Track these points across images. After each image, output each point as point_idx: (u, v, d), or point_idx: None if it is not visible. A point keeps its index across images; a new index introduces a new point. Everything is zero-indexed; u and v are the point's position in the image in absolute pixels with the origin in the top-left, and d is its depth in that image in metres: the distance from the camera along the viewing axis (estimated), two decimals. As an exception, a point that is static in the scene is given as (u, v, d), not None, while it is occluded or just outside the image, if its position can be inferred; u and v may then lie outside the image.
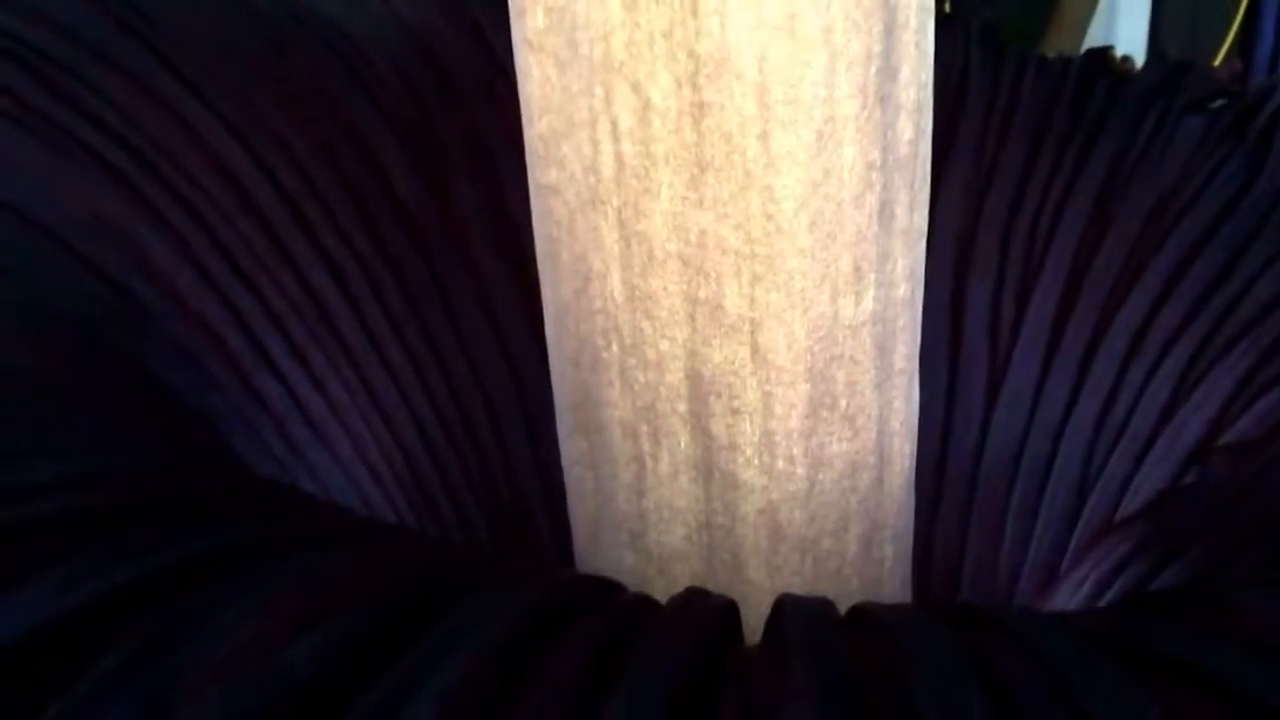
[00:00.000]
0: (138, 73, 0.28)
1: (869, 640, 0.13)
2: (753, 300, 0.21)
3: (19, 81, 0.26)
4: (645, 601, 0.14)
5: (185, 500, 0.13)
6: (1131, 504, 0.33)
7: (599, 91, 0.21)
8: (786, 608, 0.14)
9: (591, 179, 0.21)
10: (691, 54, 0.20)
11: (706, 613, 0.14)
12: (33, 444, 0.14)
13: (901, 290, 0.23)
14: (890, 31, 0.20)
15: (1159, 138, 0.36)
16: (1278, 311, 0.32)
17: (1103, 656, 0.12)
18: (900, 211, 0.22)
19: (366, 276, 0.31)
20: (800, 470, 0.23)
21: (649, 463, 0.23)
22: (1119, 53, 0.41)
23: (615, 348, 0.23)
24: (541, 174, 0.23)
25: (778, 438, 0.22)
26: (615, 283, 0.22)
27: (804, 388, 0.22)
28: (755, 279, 0.21)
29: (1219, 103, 0.38)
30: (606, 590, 0.15)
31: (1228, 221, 0.34)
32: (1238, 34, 1.23)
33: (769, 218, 0.21)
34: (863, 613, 0.14)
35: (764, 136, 0.20)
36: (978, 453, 0.35)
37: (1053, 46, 0.76)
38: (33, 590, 0.11)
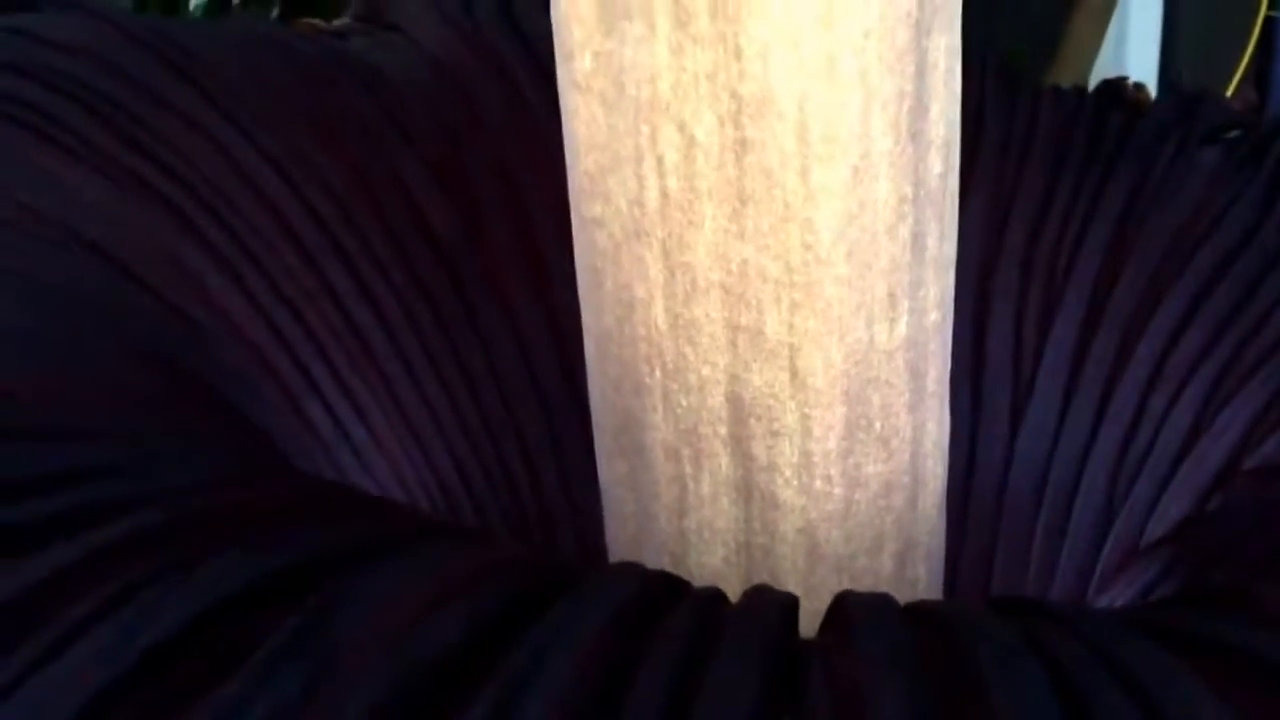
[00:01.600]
0: (189, 113, 0.30)
1: (930, 627, 0.13)
2: (792, 326, 0.22)
3: (85, 124, 0.27)
4: (718, 596, 0.15)
5: (308, 500, 0.15)
6: (1157, 529, 0.33)
7: (645, 130, 0.22)
8: (848, 602, 0.15)
9: (637, 212, 0.22)
10: (734, 95, 0.21)
11: (777, 606, 0.14)
12: (168, 452, 0.15)
13: (933, 316, 0.24)
14: (921, 72, 0.21)
15: (1176, 168, 0.37)
16: (1297, 339, 0.33)
17: (1147, 638, 0.13)
18: (931, 242, 0.23)
19: (403, 309, 0.32)
20: (837, 490, 0.24)
21: (690, 484, 0.24)
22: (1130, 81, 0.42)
23: (658, 373, 0.24)
24: (587, 208, 0.24)
25: (815, 458, 0.23)
26: (659, 311, 0.23)
27: (841, 410, 0.23)
28: (794, 306, 0.22)
29: (1235, 133, 0.39)
30: (679, 585, 0.16)
31: (1245, 251, 0.35)
32: (1250, 62, 1.24)
33: (808, 248, 0.21)
34: (918, 606, 0.15)
35: (803, 172, 0.21)
36: (1002, 477, 0.35)
37: (1060, 76, 0.77)
38: (197, 580, 0.12)
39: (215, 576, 0.12)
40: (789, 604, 0.15)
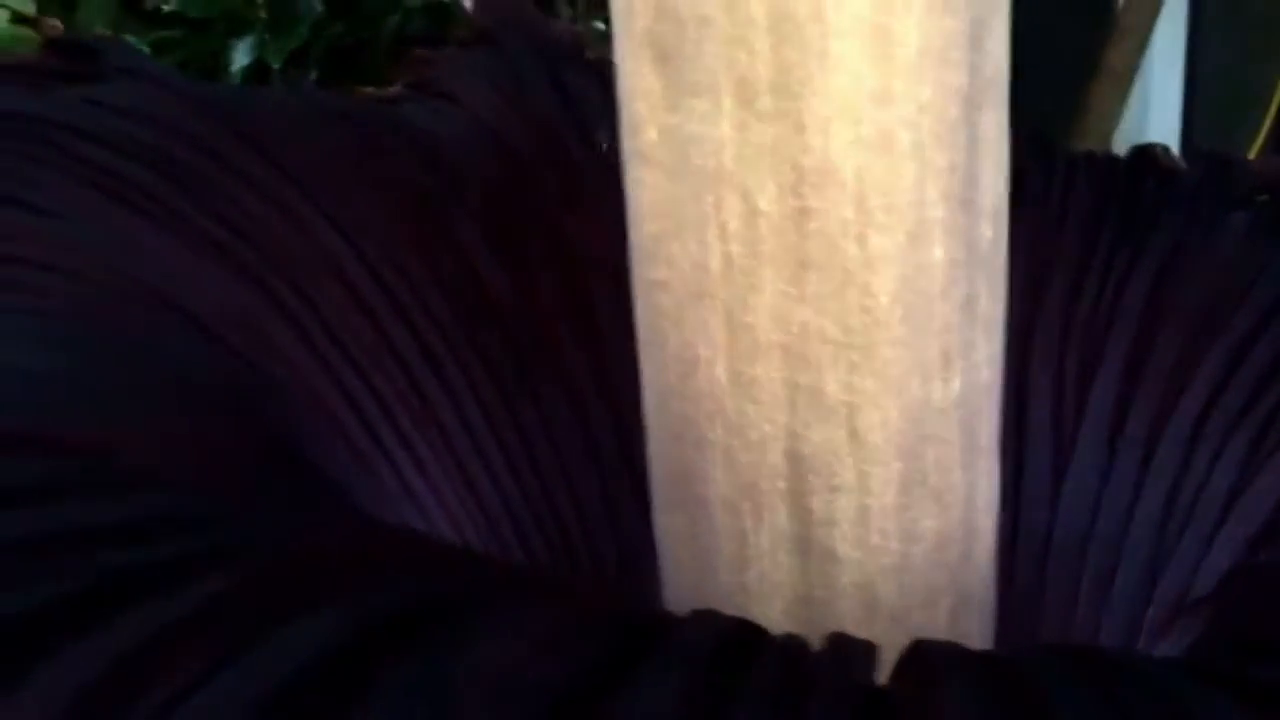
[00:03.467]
0: (260, 181, 0.31)
1: (1008, 678, 0.14)
2: (850, 386, 0.23)
3: (163, 190, 0.28)
4: (801, 642, 0.16)
5: (409, 547, 0.15)
6: (1203, 585, 0.34)
7: (709, 198, 0.23)
8: (924, 649, 0.15)
9: (700, 275, 0.24)
10: (796, 166, 0.22)
11: (860, 652, 0.15)
12: (265, 502, 0.16)
13: (984, 375, 0.24)
14: (973, 145, 0.22)
15: (1209, 232, 0.38)
16: (1334, 398, 0.33)
17: (1213, 686, 0.14)
18: (982, 304, 0.24)
19: (461, 367, 0.33)
20: (894, 544, 0.24)
21: (750, 538, 0.25)
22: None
23: (719, 429, 0.25)
24: (650, 270, 0.25)
25: (873, 513, 0.24)
26: (721, 369, 0.24)
27: (897, 466, 0.24)
28: (853, 367, 0.23)
29: (1264, 197, 0.40)
30: (760, 632, 0.16)
31: (1276, 317, 0.35)
32: (1272, 127, 1.25)
33: (865, 311, 0.23)
34: (992, 656, 0.15)
35: (861, 239, 0.22)
36: (1047, 534, 0.36)
37: (1082, 141, 0.78)
38: (308, 629, 0.13)
39: (328, 625, 0.13)
40: (870, 651, 0.15)
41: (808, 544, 0.25)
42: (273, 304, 0.28)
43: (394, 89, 0.41)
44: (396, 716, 0.12)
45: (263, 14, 1.36)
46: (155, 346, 0.23)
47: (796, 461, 0.24)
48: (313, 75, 1.13)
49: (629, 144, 0.24)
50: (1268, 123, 1.30)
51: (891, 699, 0.14)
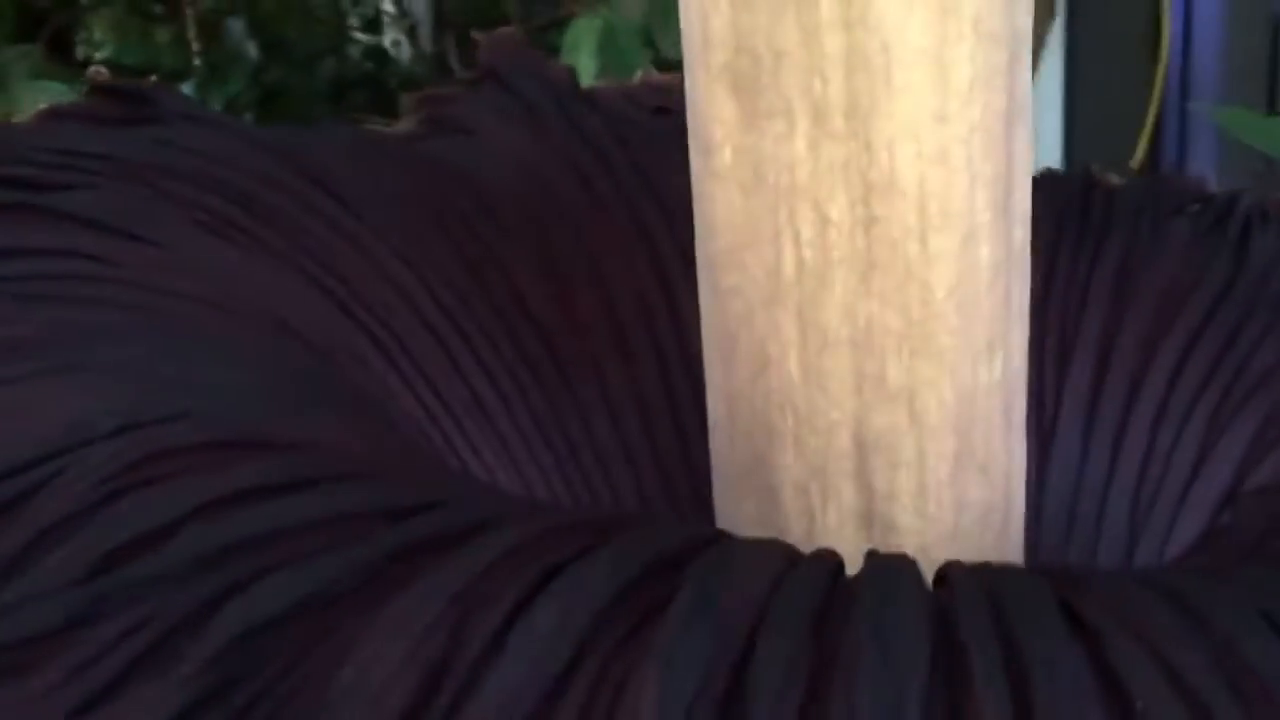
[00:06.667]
0: (324, 212, 0.33)
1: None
2: (911, 371, 0.26)
3: (246, 221, 0.30)
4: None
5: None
6: (1174, 549, 0.38)
7: (784, 211, 0.26)
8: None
9: (773, 280, 0.26)
10: (864, 179, 0.25)
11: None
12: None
13: (1017, 360, 0.28)
14: (1010, 158, 0.26)
15: (1156, 236, 0.42)
16: (1276, 376, 0.38)
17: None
18: (1016, 297, 0.27)
19: (514, 381, 0.35)
20: (948, 514, 0.28)
21: (818, 516, 0.28)
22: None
23: (790, 419, 0.27)
24: (723, 279, 0.28)
25: (930, 487, 0.27)
26: (793, 364, 0.27)
27: (951, 443, 0.27)
28: (913, 354, 0.26)
29: (1195, 207, 0.45)
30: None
31: (1224, 304, 0.40)
32: (1148, 148, 1.35)
33: (925, 304, 0.26)
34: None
35: (922, 241, 0.25)
36: (1036, 511, 0.40)
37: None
38: (606, 558, 0.15)
39: (621, 556, 0.16)
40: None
41: (871, 518, 0.28)
42: (361, 329, 0.30)
43: (404, 125, 0.43)
44: (692, 624, 0.14)
45: (197, 61, 1.35)
46: (293, 363, 0.25)
47: (861, 444, 0.27)
48: (247, 118, 1.13)
49: (702, 163, 0.27)
50: (1144, 143, 1.40)
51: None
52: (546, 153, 0.40)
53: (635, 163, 0.41)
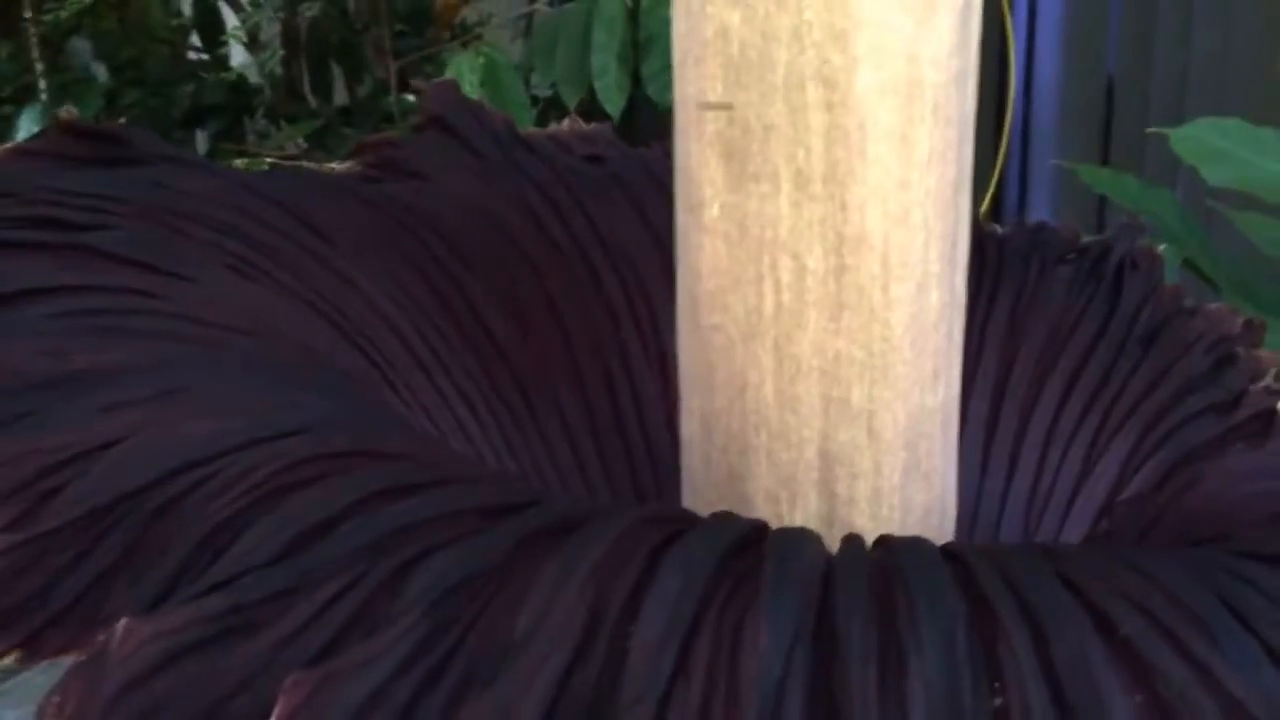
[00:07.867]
0: (316, 251, 0.36)
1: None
2: (871, 396, 0.31)
3: (254, 257, 0.33)
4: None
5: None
6: (1062, 551, 0.44)
7: (766, 260, 0.30)
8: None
9: (753, 319, 0.31)
10: (839, 234, 0.30)
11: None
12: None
13: (955, 388, 0.33)
14: (958, 219, 0.31)
15: (1043, 282, 0.48)
16: (1146, 403, 0.45)
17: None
18: (956, 334, 0.32)
19: (489, 408, 0.38)
20: (897, 515, 0.32)
21: (786, 519, 0.32)
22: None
23: (764, 436, 0.32)
24: (705, 316, 0.32)
25: (883, 493, 0.32)
26: (768, 390, 0.31)
27: (902, 455, 0.32)
28: (874, 382, 0.31)
29: (1073, 255, 0.52)
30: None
31: (1101, 341, 0.46)
32: (991, 201, 1.47)
33: (885, 340, 0.30)
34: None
35: (885, 287, 0.30)
36: (946, 520, 0.45)
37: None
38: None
39: (708, 538, 0.19)
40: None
41: (832, 520, 0.32)
42: (366, 359, 0.32)
43: (350, 167, 0.46)
44: (779, 580, 0.18)
45: (42, 81, 1.32)
46: (344, 387, 0.28)
47: (826, 457, 0.32)
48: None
49: (689, 218, 0.31)
50: (988, 196, 1.52)
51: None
52: (498, 198, 0.43)
53: (581, 207, 0.45)
